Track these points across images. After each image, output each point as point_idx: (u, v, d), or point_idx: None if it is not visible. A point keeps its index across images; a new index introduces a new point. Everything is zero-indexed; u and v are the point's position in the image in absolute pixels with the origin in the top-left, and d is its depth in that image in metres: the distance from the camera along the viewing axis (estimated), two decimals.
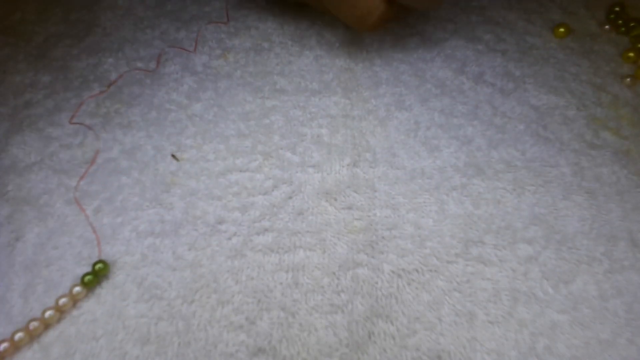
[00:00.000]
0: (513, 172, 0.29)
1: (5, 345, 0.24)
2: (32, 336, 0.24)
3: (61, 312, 0.25)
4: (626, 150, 0.30)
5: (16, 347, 0.24)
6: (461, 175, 0.29)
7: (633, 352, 0.24)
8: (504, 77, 0.34)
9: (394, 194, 0.29)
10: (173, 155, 0.30)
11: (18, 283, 0.26)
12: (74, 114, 0.31)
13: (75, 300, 0.25)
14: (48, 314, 0.25)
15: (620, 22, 0.36)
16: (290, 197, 0.29)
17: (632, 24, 0.35)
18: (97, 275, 0.26)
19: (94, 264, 0.26)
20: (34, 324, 0.24)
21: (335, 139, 0.30)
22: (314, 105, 0.32)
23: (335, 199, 0.28)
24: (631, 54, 0.34)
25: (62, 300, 0.25)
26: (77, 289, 0.25)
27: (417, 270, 0.26)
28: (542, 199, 0.29)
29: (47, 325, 0.25)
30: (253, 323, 0.25)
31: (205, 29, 0.36)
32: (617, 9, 0.36)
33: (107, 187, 0.29)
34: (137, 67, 0.33)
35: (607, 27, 0.36)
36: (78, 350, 0.24)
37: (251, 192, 0.29)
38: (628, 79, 0.33)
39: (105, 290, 0.26)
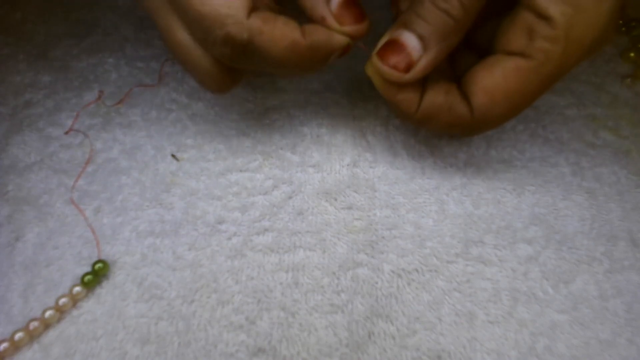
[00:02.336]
0: (513, 172, 0.29)
1: (5, 345, 0.24)
2: (32, 336, 0.24)
3: (61, 312, 0.25)
4: (626, 150, 0.30)
5: (16, 347, 0.24)
6: (461, 175, 0.29)
7: (633, 352, 0.24)
8: None
9: (394, 194, 0.29)
10: (173, 155, 0.30)
11: (18, 283, 0.26)
12: (72, 125, 0.31)
13: (75, 300, 0.25)
14: (48, 314, 0.25)
15: (620, 22, 0.36)
16: (290, 197, 0.29)
17: (632, 24, 0.35)
18: (97, 275, 0.26)
19: (94, 264, 0.26)
20: (34, 324, 0.24)
21: (336, 139, 0.30)
22: (314, 105, 0.32)
23: (335, 199, 0.28)
24: (631, 54, 0.34)
25: (62, 300, 0.25)
26: (77, 289, 0.25)
27: (417, 270, 0.26)
28: (542, 199, 0.29)
29: (47, 325, 0.25)
30: (253, 323, 0.25)
31: None
32: None
33: (107, 187, 0.29)
34: (140, 84, 0.33)
35: None
36: (78, 350, 0.24)
37: (251, 192, 0.29)
38: (628, 79, 0.33)
39: (105, 290, 0.26)
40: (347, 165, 0.30)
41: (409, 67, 0.22)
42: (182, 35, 0.24)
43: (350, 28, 0.23)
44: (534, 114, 0.32)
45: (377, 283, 0.26)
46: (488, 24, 0.24)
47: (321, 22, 0.23)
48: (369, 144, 0.30)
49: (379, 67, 0.23)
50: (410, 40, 0.22)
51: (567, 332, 0.25)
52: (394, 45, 0.22)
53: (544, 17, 0.21)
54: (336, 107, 0.32)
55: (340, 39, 0.23)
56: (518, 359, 0.24)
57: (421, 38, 0.22)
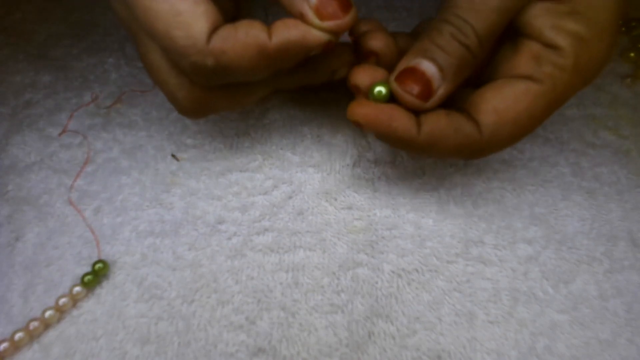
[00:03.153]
0: (512, 171, 0.29)
1: (5, 345, 0.24)
2: (32, 336, 0.24)
3: (61, 312, 0.25)
4: (626, 150, 0.30)
5: (16, 347, 0.24)
6: (461, 174, 0.29)
7: (633, 352, 0.24)
8: None
9: (394, 194, 0.29)
10: (173, 155, 0.30)
11: (18, 283, 0.26)
12: (65, 127, 0.31)
13: (75, 300, 0.25)
14: (48, 314, 0.25)
15: (620, 22, 0.36)
16: (290, 197, 0.29)
17: (632, 24, 0.35)
18: (97, 275, 0.26)
19: (94, 264, 0.26)
20: (34, 324, 0.24)
21: (336, 139, 0.30)
22: (314, 105, 0.32)
23: (335, 199, 0.28)
24: (631, 54, 0.34)
25: (62, 300, 0.25)
26: (77, 289, 0.25)
27: (417, 270, 0.26)
28: (541, 199, 0.29)
29: (47, 325, 0.25)
30: (253, 323, 0.25)
31: None
32: None
33: (107, 187, 0.29)
34: (134, 89, 0.33)
35: None
36: (78, 350, 0.24)
37: (251, 192, 0.29)
38: (628, 79, 0.33)
39: (105, 290, 0.26)
40: (347, 165, 0.30)
41: (428, 96, 0.22)
42: (158, 60, 0.23)
43: (333, 23, 0.22)
44: None
45: (377, 283, 0.26)
46: None
47: (300, 18, 0.22)
48: (369, 144, 0.30)
49: (400, 93, 0.22)
50: (430, 69, 0.22)
51: (567, 332, 0.25)
52: (415, 73, 0.22)
53: (552, 46, 0.22)
54: (336, 107, 0.32)
55: (317, 36, 0.22)
56: (518, 359, 0.24)
57: (441, 69, 0.22)
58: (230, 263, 0.26)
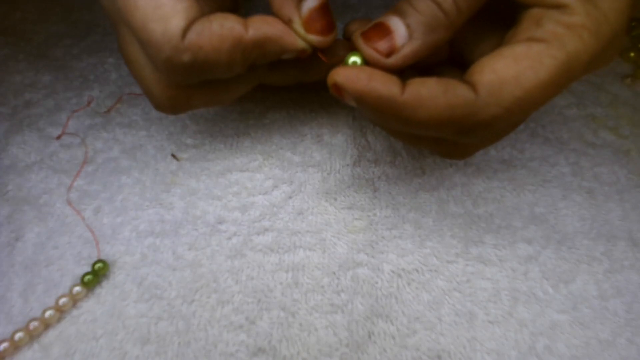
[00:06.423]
0: (512, 171, 0.29)
1: (5, 345, 0.24)
2: (32, 336, 0.24)
3: (61, 312, 0.25)
4: (626, 149, 0.30)
5: (16, 347, 0.24)
6: (461, 174, 0.29)
7: (633, 352, 0.24)
8: None
9: (395, 194, 0.29)
10: (173, 155, 0.30)
11: (18, 283, 0.26)
12: (63, 130, 0.31)
13: (75, 300, 0.25)
14: (48, 313, 0.25)
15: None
16: (291, 197, 0.29)
17: (632, 24, 0.35)
18: (97, 275, 0.26)
19: (94, 264, 0.26)
20: (34, 324, 0.24)
21: (336, 139, 0.30)
22: (314, 105, 0.32)
23: (336, 199, 0.28)
24: (631, 54, 0.34)
25: (62, 300, 0.25)
26: (77, 288, 0.25)
27: (417, 270, 0.26)
28: (541, 199, 0.29)
29: (47, 325, 0.25)
30: (253, 323, 0.25)
31: None
32: None
33: (107, 187, 0.29)
34: (132, 92, 0.33)
35: None
36: (78, 350, 0.24)
37: (251, 192, 0.29)
38: (628, 79, 0.33)
39: (105, 290, 0.26)
40: (347, 165, 0.30)
41: (390, 52, 0.21)
42: (136, 53, 0.23)
43: (316, 38, 0.23)
44: (534, 113, 0.32)
45: (377, 283, 0.26)
46: (480, 42, 0.24)
47: (287, 23, 0.23)
48: (369, 143, 0.30)
49: (362, 47, 0.22)
50: (397, 25, 0.21)
51: (567, 332, 0.25)
52: (380, 28, 0.22)
53: (556, 6, 0.20)
54: (336, 107, 0.32)
55: (295, 41, 0.23)
56: (518, 359, 0.24)
57: (408, 26, 0.21)
58: (230, 263, 0.26)
